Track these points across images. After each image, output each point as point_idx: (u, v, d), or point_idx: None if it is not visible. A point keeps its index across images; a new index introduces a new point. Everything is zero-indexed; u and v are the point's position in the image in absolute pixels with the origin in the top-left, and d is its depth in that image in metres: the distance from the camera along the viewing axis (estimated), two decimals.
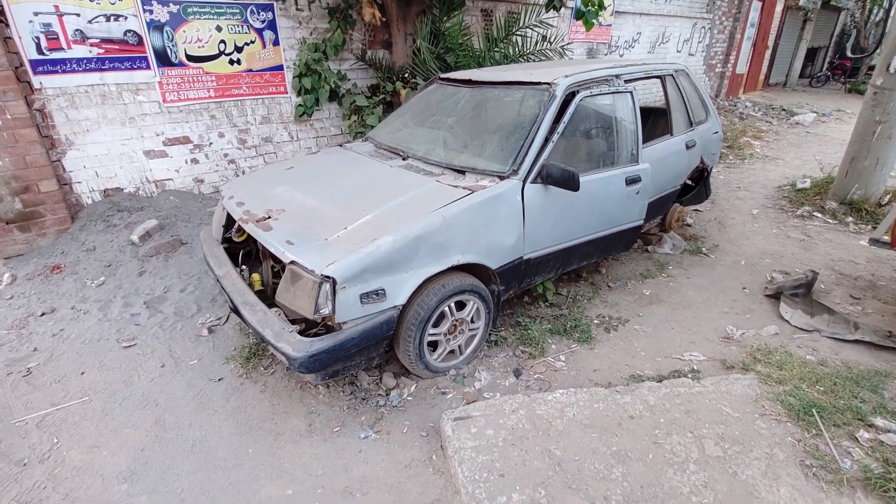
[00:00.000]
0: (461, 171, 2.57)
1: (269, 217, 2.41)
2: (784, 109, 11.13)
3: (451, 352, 2.47)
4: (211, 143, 4.55)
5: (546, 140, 2.55)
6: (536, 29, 5.30)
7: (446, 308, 2.30)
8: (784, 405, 2.16)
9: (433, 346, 2.39)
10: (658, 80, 3.49)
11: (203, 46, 4.25)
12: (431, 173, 2.60)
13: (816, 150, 7.51)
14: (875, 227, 4.31)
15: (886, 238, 2.79)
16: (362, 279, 1.97)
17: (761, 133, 8.74)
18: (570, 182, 2.39)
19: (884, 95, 4.22)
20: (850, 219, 4.49)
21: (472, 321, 2.48)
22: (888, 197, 4.56)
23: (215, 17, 4.25)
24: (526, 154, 2.48)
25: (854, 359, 2.59)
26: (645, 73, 3.27)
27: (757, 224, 4.54)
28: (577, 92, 2.73)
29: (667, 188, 3.56)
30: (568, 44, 5.54)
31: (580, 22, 7.93)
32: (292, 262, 2.04)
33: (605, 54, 8.51)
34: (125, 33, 3.84)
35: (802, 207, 4.78)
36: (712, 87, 11.78)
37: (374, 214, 2.22)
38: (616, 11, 8.31)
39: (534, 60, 5.36)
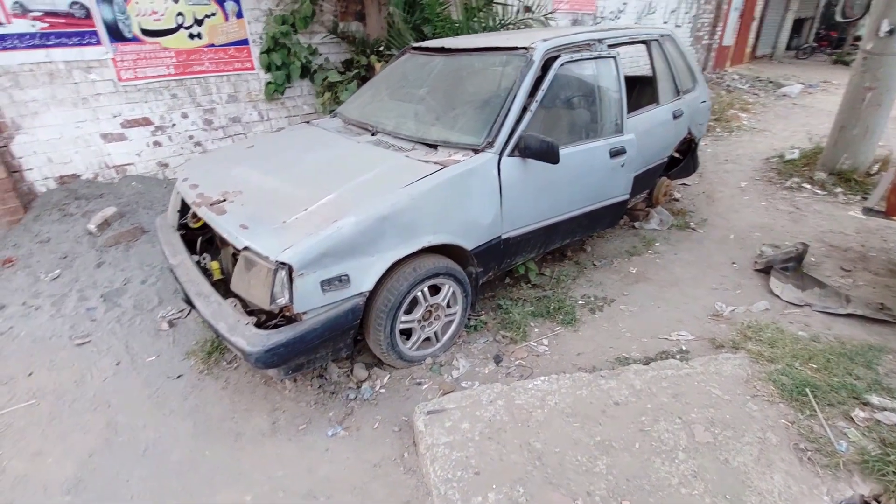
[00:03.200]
0: (433, 146, 2.38)
1: (225, 199, 2.21)
2: (771, 81, 10.97)
3: (427, 339, 2.32)
4: (174, 125, 4.29)
5: (523, 110, 2.37)
6: None
7: (419, 293, 2.14)
8: (776, 385, 2.05)
9: (407, 334, 2.24)
10: (643, 47, 3.31)
11: (159, 19, 3.96)
12: (401, 149, 2.41)
13: (804, 121, 7.39)
14: (866, 197, 4.22)
15: (881, 206, 2.68)
16: (322, 265, 1.79)
17: (748, 105, 8.59)
18: (549, 154, 2.22)
19: (873, 61, 4.08)
20: (839, 189, 4.39)
21: (449, 306, 2.33)
22: (877, 166, 4.45)
23: None
24: (502, 125, 2.30)
25: (847, 333, 2.49)
26: (629, 38, 3.08)
27: (746, 197, 4.42)
28: (557, 57, 2.53)
29: (654, 160, 3.41)
30: (551, 13, 5.27)
31: None
32: (246, 248, 1.86)
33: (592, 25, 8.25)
34: (71, 5, 3.54)
35: (791, 179, 4.67)
36: (699, 60, 11.56)
37: (338, 194, 2.03)
38: None
39: (515, 30, 5.12)
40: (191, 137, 4.42)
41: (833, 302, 2.72)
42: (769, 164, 5.22)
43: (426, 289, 2.17)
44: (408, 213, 1.98)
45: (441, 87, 2.79)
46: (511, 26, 5.17)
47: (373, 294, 1.99)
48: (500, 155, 2.28)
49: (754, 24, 13.37)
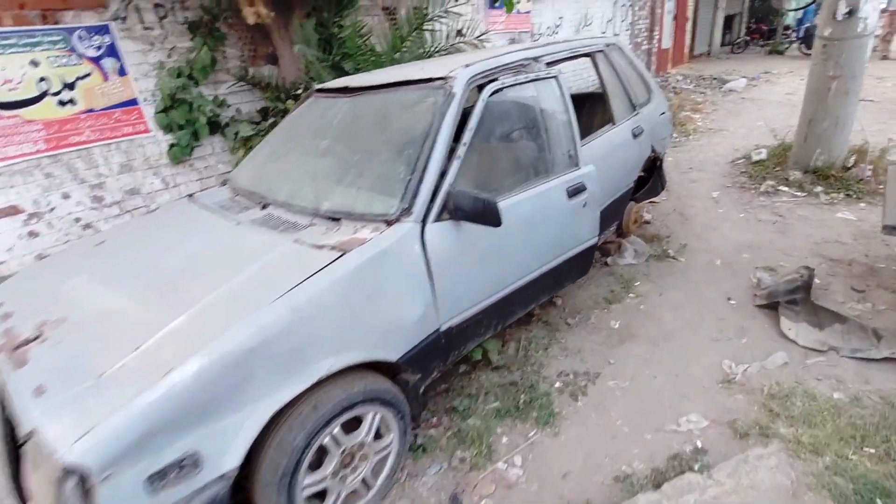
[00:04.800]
0: (336, 219, 1.78)
1: (39, 336, 1.53)
2: (715, 78, 10.98)
3: (354, 492, 1.67)
4: (53, 209, 3.55)
5: (448, 158, 1.80)
6: (443, 21, 4.59)
7: (328, 439, 1.50)
8: (833, 495, 1.48)
9: (321, 496, 1.57)
10: (588, 60, 2.83)
11: (16, 88, 3.27)
12: (295, 226, 1.80)
13: (758, 115, 7.19)
14: (850, 195, 3.84)
15: None
16: (146, 450, 1.14)
17: (699, 105, 8.42)
18: (487, 215, 1.65)
19: (834, 47, 3.75)
20: (819, 188, 4.00)
21: (379, 436, 1.69)
22: (853, 157, 4.11)
23: (27, 49, 3.28)
24: (420, 183, 1.72)
25: (892, 386, 1.97)
26: (570, 52, 2.59)
27: (721, 209, 3.98)
28: (485, 85, 1.99)
29: (619, 189, 2.90)
30: (482, 34, 4.84)
31: (500, 11, 7.34)
32: (29, 435, 1.19)
33: None
34: None
35: (765, 182, 4.27)
36: None
37: (188, 316, 1.39)
38: None
39: (444, 56, 4.65)
40: (77, 220, 3.69)
41: (861, 341, 2.21)
42: (737, 168, 4.85)
43: (338, 428, 1.52)
44: (290, 334, 1.35)
45: (345, 138, 2.20)
46: (443, 53, 4.71)
47: (249, 465, 1.34)
48: (423, 223, 1.69)
49: (689, 25, 13.57)
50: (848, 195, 3.84)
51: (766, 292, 2.64)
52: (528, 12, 7.76)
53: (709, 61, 14.48)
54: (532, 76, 2.20)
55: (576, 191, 2.24)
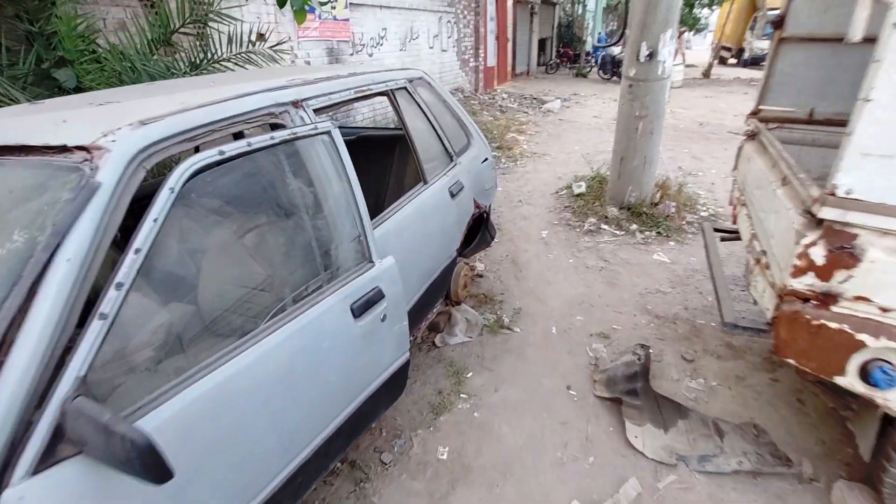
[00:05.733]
0: None
1: None
2: (535, 98, 11.65)
3: None
4: None
5: (84, 319, 0.90)
6: (233, 20, 3.52)
7: None
8: None
9: None
10: (385, 99, 2.14)
11: None
12: None
13: (575, 139, 7.56)
14: (661, 233, 3.90)
15: (767, 336, 1.83)
16: None
17: (523, 126, 8.64)
18: (133, 466, 0.80)
19: (639, 88, 3.76)
20: (634, 226, 4.02)
21: None
22: (659, 194, 4.25)
23: None
24: None
25: None
26: (354, 91, 1.85)
27: (552, 255, 3.73)
28: (178, 164, 1.12)
29: (440, 263, 2.29)
30: (280, 42, 3.85)
31: (312, 15, 6.39)
32: None
33: (351, 55, 7.18)
34: None
35: (587, 220, 4.19)
36: (471, 82, 11.68)
37: None
38: (351, 3, 7.01)
39: (225, 71, 3.57)
40: None
41: (706, 441, 1.93)
42: (561, 202, 4.76)
43: None
44: None
45: None
46: (228, 65, 3.62)
47: None
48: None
49: (510, 46, 14.33)
50: (659, 233, 3.91)
51: (604, 377, 2.29)
52: (346, 20, 6.97)
53: (528, 80, 15.54)
54: (287, 136, 1.40)
55: (368, 303, 1.51)
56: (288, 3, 3.03)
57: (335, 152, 1.55)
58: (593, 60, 17.44)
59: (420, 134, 2.23)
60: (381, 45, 7.96)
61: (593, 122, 8.99)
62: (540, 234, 4.10)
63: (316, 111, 1.57)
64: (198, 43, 3.63)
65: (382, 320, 1.59)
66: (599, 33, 19.98)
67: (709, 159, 6.12)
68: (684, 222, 4.06)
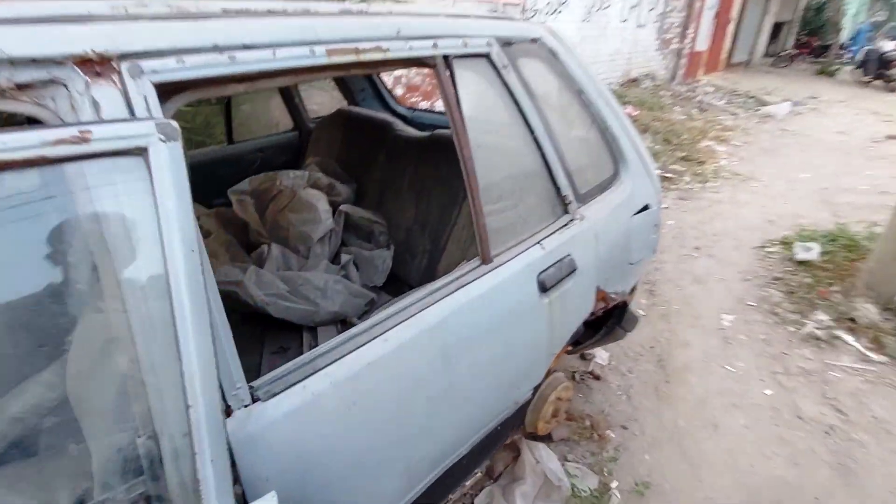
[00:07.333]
0: None
1: None
2: (752, 97, 8.98)
3: None
4: None
5: None
6: None
7: None
8: None
9: None
10: (433, 72, 1.02)
11: None
12: None
13: (802, 162, 5.32)
14: None
15: None
16: None
17: (726, 133, 6.51)
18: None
19: None
20: None
21: None
22: None
23: None
24: None
25: None
26: (325, 47, 0.78)
27: (733, 366, 2.22)
28: None
29: (484, 421, 1.15)
30: None
31: None
32: None
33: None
34: None
35: (813, 315, 2.50)
36: (668, 68, 9.48)
37: None
38: None
39: None
40: None
41: None
42: (767, 267, 3.05)
43: None
44: None
45: None
46: None
47: None
48: None
49: (731, 27, 11.42)
50: None
51: None
52: None
53: (747, 72, 12.35)
54: None
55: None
56: None
57: None
58: (849, 56, 13.09)
59: (497, 155, 1.06)
60: (560, 11, 6.56)
61: (836, 141, 6.35)
62: (720, 318, 2.56)
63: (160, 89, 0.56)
64: None
65: None
66: (861, 23, 14.71)
67: None
68: None
